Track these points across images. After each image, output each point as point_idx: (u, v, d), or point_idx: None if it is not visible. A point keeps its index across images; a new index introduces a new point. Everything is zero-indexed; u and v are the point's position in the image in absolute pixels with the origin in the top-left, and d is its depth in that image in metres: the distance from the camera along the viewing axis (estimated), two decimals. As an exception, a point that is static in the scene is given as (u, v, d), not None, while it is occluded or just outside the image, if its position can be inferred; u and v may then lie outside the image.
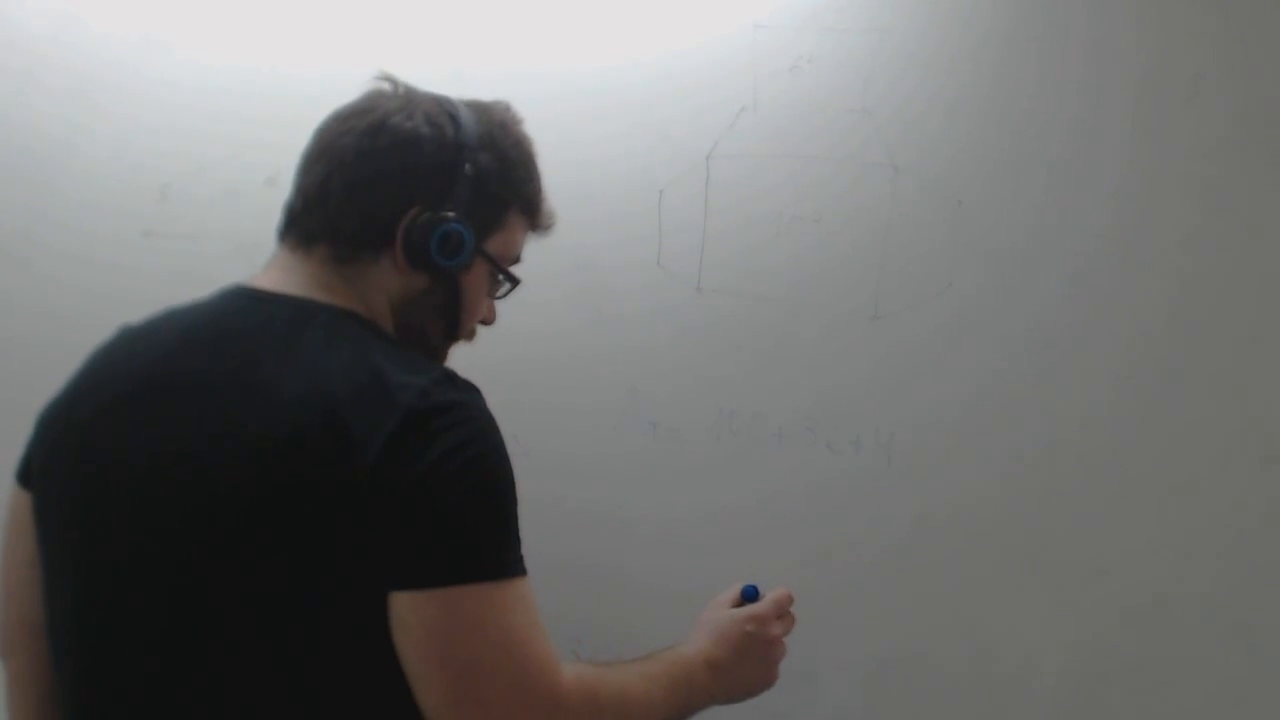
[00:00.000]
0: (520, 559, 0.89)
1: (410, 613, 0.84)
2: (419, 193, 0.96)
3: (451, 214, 0.96)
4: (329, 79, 1.48)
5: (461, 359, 1.57)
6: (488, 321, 1.10)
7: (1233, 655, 1.32)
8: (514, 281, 1.07)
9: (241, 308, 0.95)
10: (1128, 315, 1.34)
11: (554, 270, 1.48)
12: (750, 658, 1.09)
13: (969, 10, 1.39)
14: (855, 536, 1.42)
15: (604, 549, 1.46)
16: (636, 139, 1.46)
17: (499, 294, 1.08)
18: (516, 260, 1.08)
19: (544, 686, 0.86)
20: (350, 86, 1.49)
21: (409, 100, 1.00)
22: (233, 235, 1.48)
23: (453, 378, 0.91)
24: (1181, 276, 1.33)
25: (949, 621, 1.40)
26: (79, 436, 0.95)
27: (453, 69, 1.51)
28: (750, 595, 1.14)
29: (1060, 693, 1.36)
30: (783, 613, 1.13)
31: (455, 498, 0.85)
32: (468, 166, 0.98)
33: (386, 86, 1.02)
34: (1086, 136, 1.35)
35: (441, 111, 0.99)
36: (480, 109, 1.03)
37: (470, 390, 0.91)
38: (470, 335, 1.08)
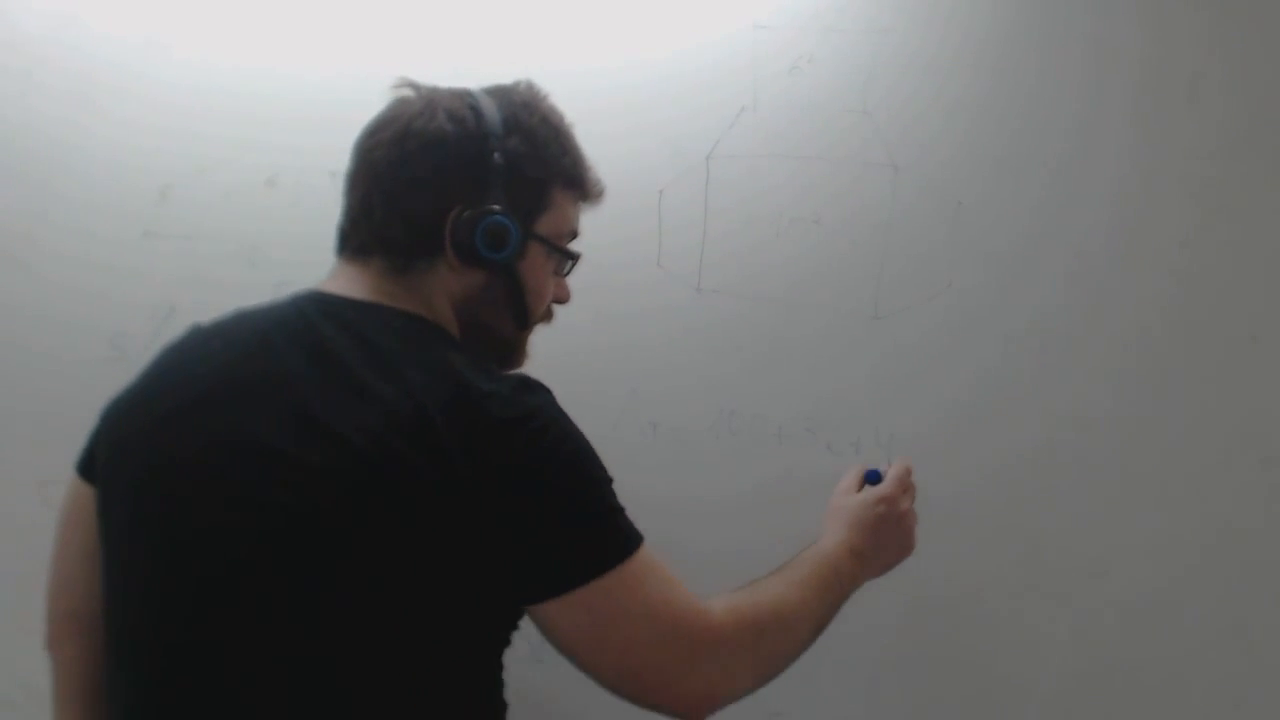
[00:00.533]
0: (630, 526, 0.91)
1: (557, 619, 0.88)
2: (455, 191, 0.97)
3: (491, 207, 0.96)
4: (329, 80, 1.49)
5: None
6: (562, 300, 1.10)
7: (1233, 655, 1.32)
8: (573, 257, 1.07)
9: (318, 310, 0.95)
10: (1127, 315, 1.35)
11: (554, 271, 1.48)
12: (888, 537, 1.14)
13: (969, 11, 1.39)
14: (855, 537, 1.42)
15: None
16: (636, 139, 1.46)
17: (565, 271, 1.09)
18: (573, 235, 1.08)
19: (699, 632, 0.90)
20: (350, 87, 1.50)
21: (430, 101, 1.00)
22: (233, 236, 1.48)
23: (527, 382, 0.92)
24: (1181, 276, 1.34)
25: (949, 621, 1.40)
26: (158, 432, 0.94)
27: (453, 69, 1.50)
28: (874, 479, 1.18)
29: (1060, 693, 1.36)
30: (907, 486, 1.18)
31: (565, 500, 0.88)
32: (496, 155, 0.97)
33: (409, 93, 1.02)
34: (1086, 136, 1.36)
35: (462, 105, 0.99)
36: (500, 93, 1.03)
37: (544, 391, 0.92)
38: (548, 317, 1.09)
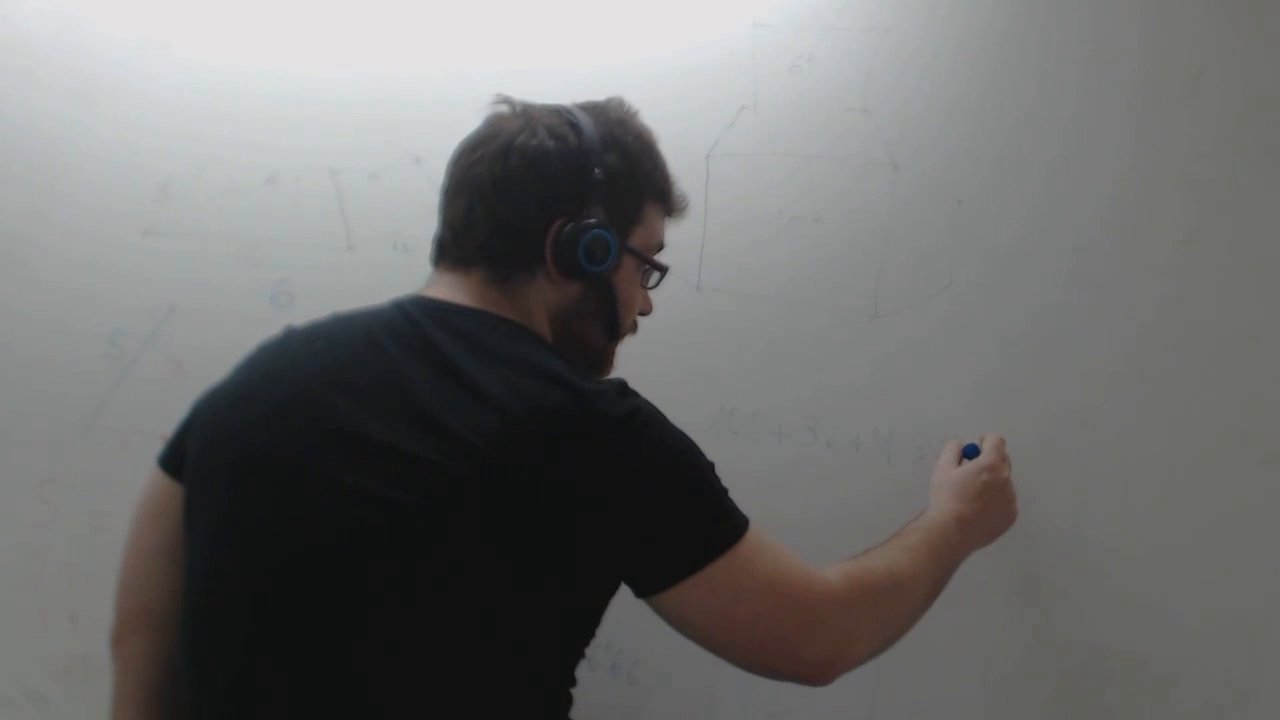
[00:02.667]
0: (736, 509, 0.95)
1: (682, 605, 0.91)
2: (557, 206, 1.00)
3: (592, 220, 0.99)
4: (329, 80, 1.49)
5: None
6: (645, 312, 1.14)
7: (1233, 655, 1.32)
8: (663, 270, 1.11)
9: (424, 314, 0.97)
10: (1127, 314, 1.34)
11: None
12: (993, 504, 1.19)
13: (969, 10, 1.39)
14: (855, 536, 1.41)
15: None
16: (636, 138, 1.46)
17: (651, 284, 1.12)
18: (660, 248, 1.11)
19: (820, 599, 0.94)
20: (350, 86, 1.50)
21: (529, 118, 1.03)
22: (233, 235, 1.48)
23: (624, 385, 0.95)
24: (1180, 275, 1.33)
25: (949, 621, 1.39)
26: (259, 427, 0.95)
27: (453, 69, 1.51)
28: (971, 452, 1.23)
29: (1060, 693, 1.36)
30: (1005, 456, 1.23)
31: (679, 488, 0.91)
32: (597, 171, 1.01)
33: (505, 109, 1.05)
34: (1086, 136, 1.35)
35: (562, 122, 1.03)
36: (596, 110, 1.07)
37: (638, 394, 0.95)
38: (633, 329, 1.12)
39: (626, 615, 1.49)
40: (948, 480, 1.21)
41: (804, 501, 1.43)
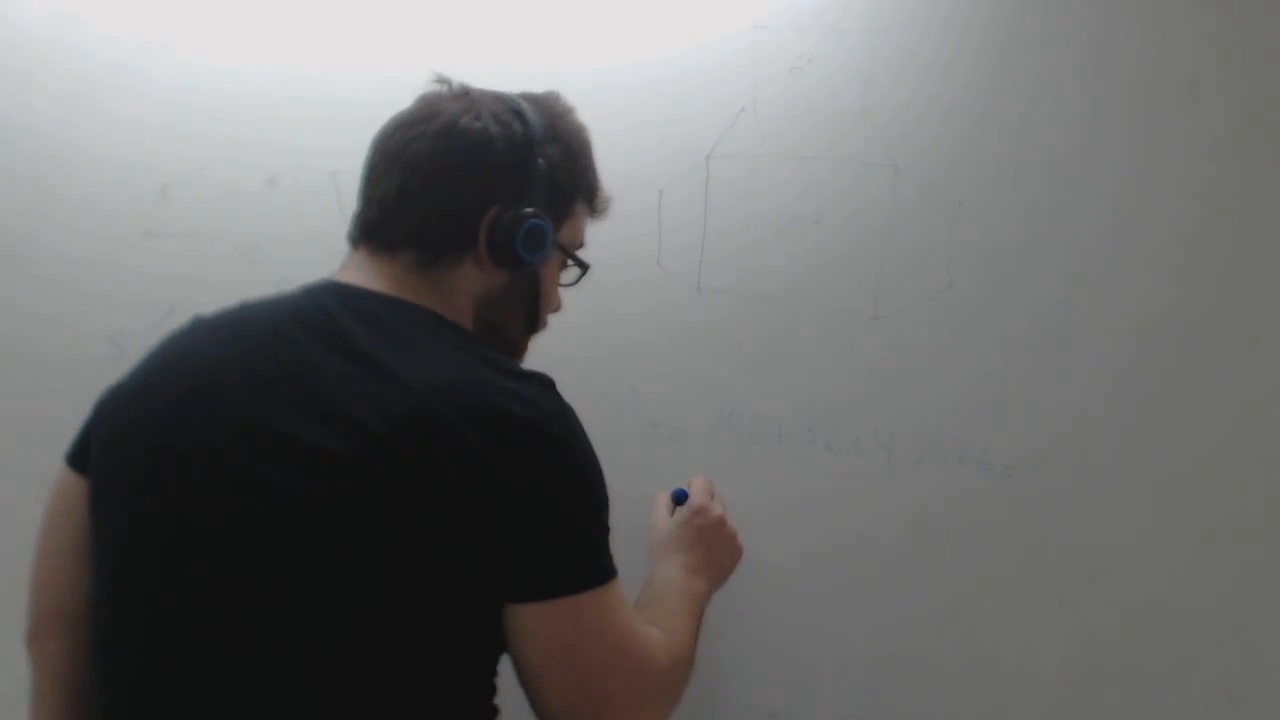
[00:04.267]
0: (612, 557, 0.93)
1: (535, 622, 0.88)
2: (496, 192, 0.98)
3: (531, 210, 0.98)
4: (329, 80, 1.49)
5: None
6: (556, 310, 1.12)
7: (1233, 655, 1.32)
8: (584, 267, 1.10)
9: (337, 302, 0.94)
10: (1127, 315, 1.34)
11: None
12: (714, 545, 1.17)
13: (969, 10, 1.39)
14: (855, 536, 1.42)
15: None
16: (636, 139, 1.46)
17: (572, 281, 1.11)
18: (581, 246, 1.11)
19: (653, 673, 0.92)
20: (350, 86, 1.50)
21: (472, 101, 1.01)
22: (233, 236, 1.48)
23: (548, 384, 0.93)
24: (1181, 276, 1.33)
25: (949, 621, 1.40)
26: (162, 420, 0.92)
27: (453, 70, 1.51)
28: (681, 497, 1.21)
29: (1060, 693, 1.36)
30: (712, 493, 1.21)
31: (571, 509, 0.89)
32: (540, 161, 0.99)
33: (442, 88, 1.03)
34: (1086, 136, 1.35)
35: (506, 109, 1.01)
36: (537, 101, 1.05)
37: (562, 398, 0.93)
38: (544, 325, 1.11)
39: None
40: (664, 538, 1.18)
41: (804, 502, 1.43)
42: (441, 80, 1.04)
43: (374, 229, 1.00)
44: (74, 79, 1.50)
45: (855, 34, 1.41)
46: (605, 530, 0.93)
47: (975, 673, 1.39)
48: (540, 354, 1.53)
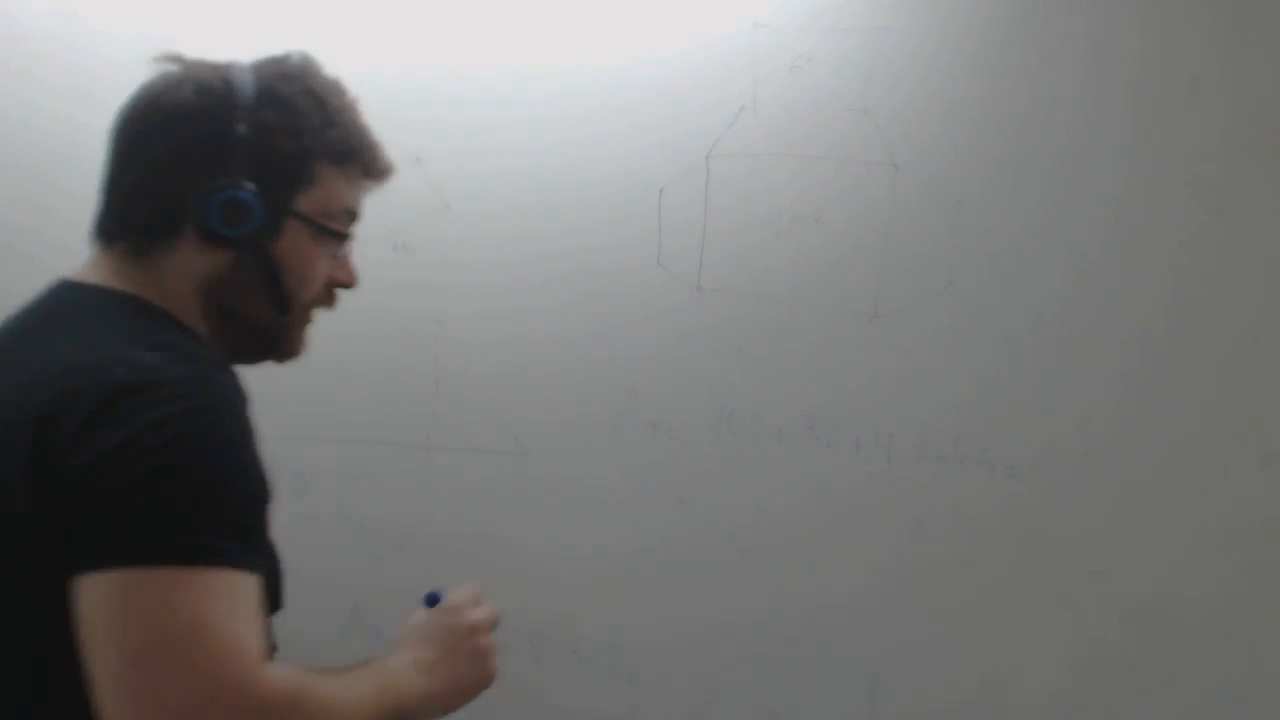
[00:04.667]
0: (235, 550, 0.81)
1: (80, 597, 0.77)
2: (196, 166, 0.91)
3: (224, 180, 0.90)
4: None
5: (461, 360, 1.58)
6: (346, 285, 1.02)
7: (1233, 655, 1.32)
8: (341, 237, 0.99)
9: (52, 299, 0.94)
10: (1127, 315, 1.34)
11: (553, 270, 1.48)
12: (456, 650, 1.01)
13: (969, 10, 1.39)
14: (855, 535, 1.42)
15: (604, 548, 1.47)
16: (636, 139, 1.46)
17: (339, 252, 1.00)
18: (351, 215, 0.99)
19: (232, 679, 0.78)
20: (350, 86, 1.49)
21: (184, 74, 0.94)
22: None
23: (191, 358, 0.87)
24: (1182, 276, 1.33)
25: (949, 621, 1.40)
26: None
27: (452, 69, 1.51)
28: (434, 600, 1.06)
29: (1060, 693, 1.36)
30: (477, 601, 1.03)
31: (141, 477, 0.79)
32: (241, 127, 0.92)
33: (170, 67, 0.96)
34: (1086, 136, 1.35)
35: (215, 76, 0.93)
36: (261, 64, 0.97)
37: (204, 370, 0.86)
38: (328, 302, 1.01)
39: (626, 615, 1.49)
40: (408, 628, 1.03)
41: (804, 501, 1.43)
42: (171, 57, 0.96)
43: (97, 222, 0.96)
44: (75, 75, 1.50)
45: (855, 33, 1.41)
46: (208, 513, 0.81)
47: (975, 672, 1.38)
48: (539, 353, 1.54)
